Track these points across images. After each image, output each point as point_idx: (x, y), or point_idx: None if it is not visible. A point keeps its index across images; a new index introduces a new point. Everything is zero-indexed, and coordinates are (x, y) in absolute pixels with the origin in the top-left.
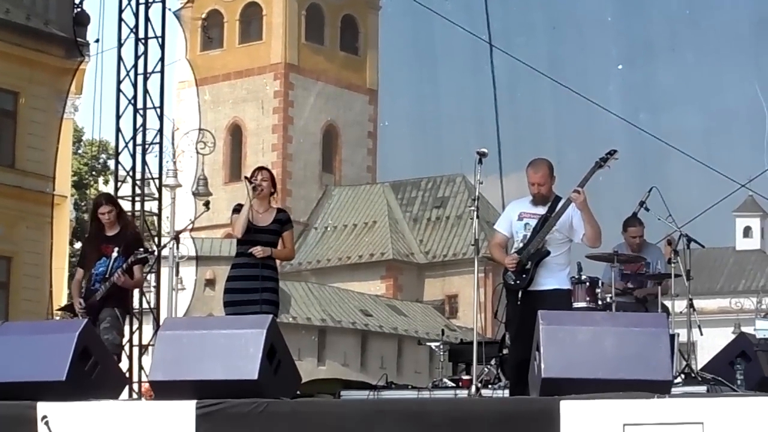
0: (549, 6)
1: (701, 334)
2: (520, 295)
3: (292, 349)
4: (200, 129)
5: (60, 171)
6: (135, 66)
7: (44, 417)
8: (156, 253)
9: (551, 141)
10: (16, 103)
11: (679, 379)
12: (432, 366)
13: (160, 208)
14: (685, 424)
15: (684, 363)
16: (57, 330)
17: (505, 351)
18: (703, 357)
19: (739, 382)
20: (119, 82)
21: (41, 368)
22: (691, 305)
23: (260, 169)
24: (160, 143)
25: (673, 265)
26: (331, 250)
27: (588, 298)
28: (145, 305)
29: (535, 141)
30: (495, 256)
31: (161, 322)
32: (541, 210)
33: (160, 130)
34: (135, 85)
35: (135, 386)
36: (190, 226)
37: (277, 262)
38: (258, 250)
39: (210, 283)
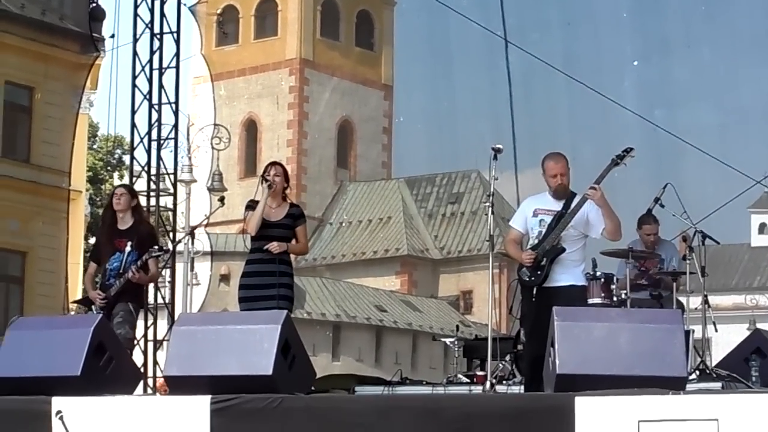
0: (564, 2)
1: (716, 331)
2: (535, 291)
3: (306, 344)
4: (215, 124)
5: (75, 166)
6: (150, 61)
7: (59, 412)
8: (170, 248)
9: (566, 137)
10: (31, 98)
11: (693, 376)
12: (447, 362)
13: (175, 204)
14: (700, 421)
15: (699, 359)
16: (72, 325)
17: (519, 347)
18: (717, 353)
19: (754, 378)
20: (134, 77)
21: (56, 363)
22: (706, 302)
23: (273, 164)
24: (175, 138)
25: (688, 261)
26: (345, 245)
27: (603, 295)
28: (160, 300)
29: (550, 137)
30: (510, 253)
31: (176, 318)
32: (557, 206)
33: (176, 126)
34: (150, 81)
35: (150, 381)
36: (205, 222)
37: (292, 257)
38: (274, 246)
39: (225, 278)
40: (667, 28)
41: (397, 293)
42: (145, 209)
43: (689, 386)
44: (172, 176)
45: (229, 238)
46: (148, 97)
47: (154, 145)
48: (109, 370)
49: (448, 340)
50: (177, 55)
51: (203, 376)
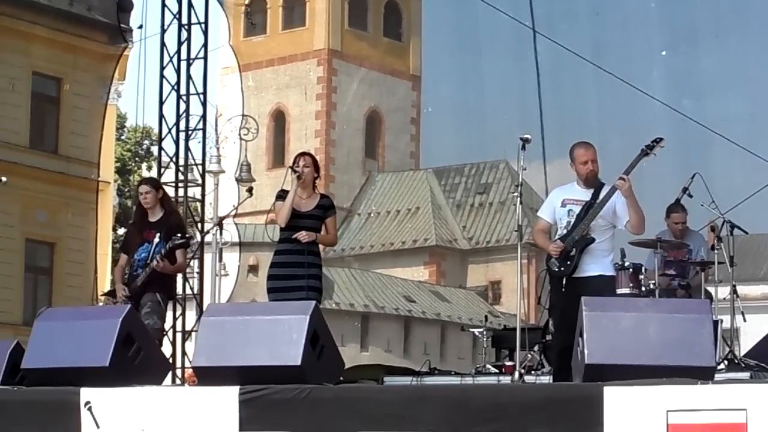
0: None
1: (744, 321)
2: (564, 281)
3: (335, 335)
4: (243, 115)
5: (104, 157)
6: (178, 52)
7: (87, 403)
8: (196, 238)
9: (594, 127)
10: (59, 89)
11: (722, 366)
12: (475, 352)
13: (203, 194)
14: (729, 411)
15: (727, 349)
16: (100, 316)
17: (548, 337)
18: (746, 343)
19: None
20: (162, 68)
21: (85, 354)
22: (734, 291)
23: (302, 155)
24: (204, 129)
25: (716, 251)
26: (374, 236)
27: (631, 285)
28: (188, 291)
29: (578, 127)
30: (539, 243)
31: (204, 308)
32: (585, 196)
33: (204, 116)
34: (178, 71)
35: (178, 372)
36: (234, 212)
37: (321, 248)
38: (303, 235)
39: (253, 269)
40: (695, 17)
41: (426, 284)
42: (173, 200)
43: (717, 376)
44: (200, 167)
45: (257, 229)
46: (176, 87)
47: (182, 135)
48: (137, 361)
49: (476, 331)
50: (205, 45)
51: (232, 366)
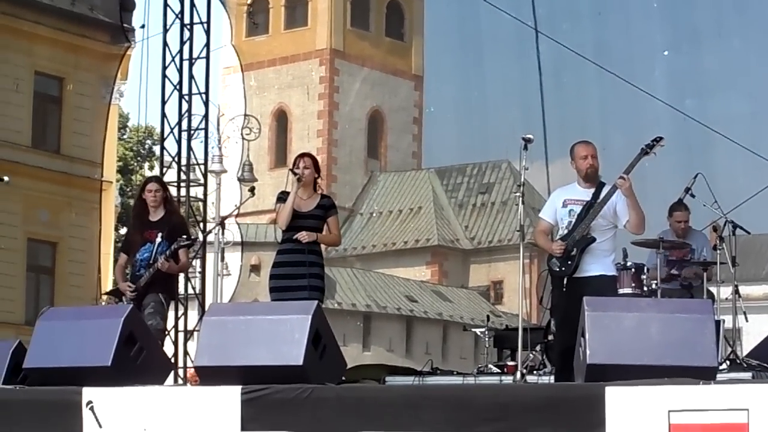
0: None
1: (747, 321)
2: (565, 281)
3: (337, 334)
4: (246, 115)
5: (106, 157)
6: (180, 52)
7: (89, 402)
8: (200, 239)
9: (597, 127)
10: (61, 88)
11: (724, 366)
12: (477, 352)
13: (205, 194)
14: (731, 411)
15: (729, 349)
16: (102, 315)
17: (550, 337)
18: (748, 343)
19: None
20: (164, 67)
21: (87, 354)
22: (736, 291)
23: (302, 156)
24: (206, 129)
25: (718, 251)
26: (376, 236)
27: (633, 284)
28: (190, 291)
29: (580, 127)
30: (540, 243)
31: (206, 308)
32: (586, 196)
33: (206, 116)
34: (180, 71)
35: (180, 372)
36: (236, 212)
37: (323, 247)
38: (303, 236)
39: (255, 268)
40: (697, 17)
41: (428, 283)
42: (175, 200)
43: (719, 376)
44: (202, 167)
45: (259, 229)
46: (178, 87)
47: (184, 135)
48: (139, 361)
49: (478, 331)
50: (207, 45)
51: (234, 366)
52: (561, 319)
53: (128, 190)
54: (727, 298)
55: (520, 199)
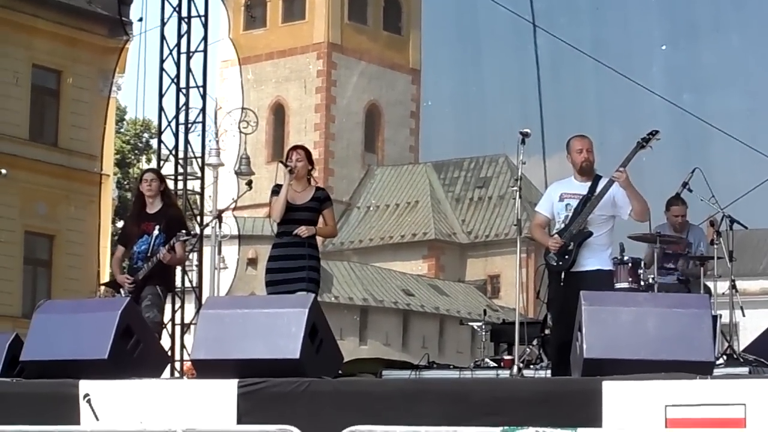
0: None
1: (744, 316)
2: (562, 275)
3: (334, 328)
4: (243, 108)
5: (104, 150)
6: (178, 45)
7: (86, 395)
8: (198, 232)
9: (594, 121)
10: (59, 82)
11: (721, 361)
12: (474, 346)
13: (202, 187)
14: (727, 405)
15: (726, 344)
16: (99, 308)
17: (547, 331)
18: (745, 338)
19: None
20: (162, 61)
21: (83, 346)
22: (733, 286)
23: (295, 148)
24: (203, 122)
25: (715, 246)
26: (373, 229)
27: (630, 279)
28: (187, 284)
29: (578, 121)
30: (536, 238)
31: (203, 301)
32: (583, 190)
33: (203, 109)
34: (178, 64)
35: (177, 365)
36: (233, 206)
37: (319, 241)
38: (303, 230)
39: (252, 262)
40: (695, 12)
41: (425, 277)
42: (173, 193)
43: (716, 371)
44: (199, 160)
45: (256, 222)
46: (175, 80)
47: (181, 128)
48: (136, 354)
49: (475, 325)
50: (205, 38)
51: (230, 359)
52: (558, 313)
53: (125, 183)
54: (724, 293)
55: (517, 193)
